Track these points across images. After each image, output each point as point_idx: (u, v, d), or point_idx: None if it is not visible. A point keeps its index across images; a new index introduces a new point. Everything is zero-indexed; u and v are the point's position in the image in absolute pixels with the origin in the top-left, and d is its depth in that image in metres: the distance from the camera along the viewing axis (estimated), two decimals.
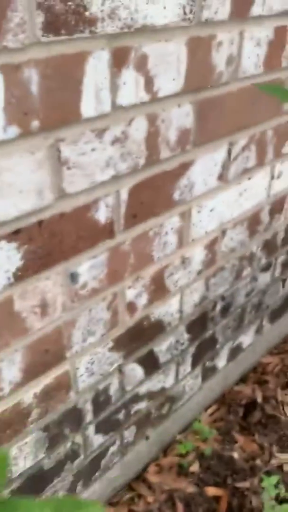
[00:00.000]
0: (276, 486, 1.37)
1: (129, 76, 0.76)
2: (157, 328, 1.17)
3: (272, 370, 1.82)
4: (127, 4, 0.70)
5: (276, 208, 1.38)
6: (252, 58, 0.99)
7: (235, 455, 1.51)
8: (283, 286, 1.71)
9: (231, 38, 0.92)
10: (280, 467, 1.48)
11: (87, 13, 0.66)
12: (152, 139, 0.86)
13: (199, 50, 0.86)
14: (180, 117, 0.89)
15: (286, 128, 1.22)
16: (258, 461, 1.49)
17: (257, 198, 1.27)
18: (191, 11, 0.80)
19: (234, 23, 0.90)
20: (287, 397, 1.72)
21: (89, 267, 0.88)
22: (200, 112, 0.94)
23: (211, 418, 1.64)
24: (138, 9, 0.72)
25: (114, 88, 0.75)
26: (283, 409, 1.67)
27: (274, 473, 1.44)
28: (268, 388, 1.74)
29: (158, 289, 1.10)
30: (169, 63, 0.82)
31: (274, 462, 1.49)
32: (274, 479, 1.35)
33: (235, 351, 1.63)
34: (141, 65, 0.77)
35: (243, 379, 1.78)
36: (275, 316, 1.77)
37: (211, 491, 1.42)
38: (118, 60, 0.74)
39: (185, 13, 0.80)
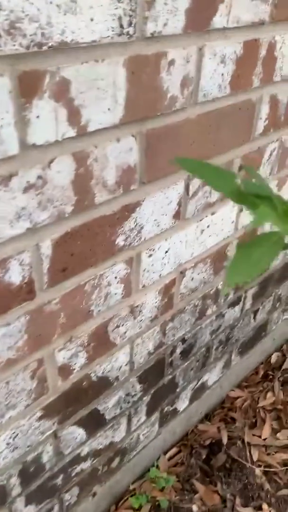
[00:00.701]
0: None
1: (44, 108, 0.59)
2: (101, 386, 1.01)
3: (241, 406, 1.68)
4: (34, 16, 0.52)
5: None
6: (215, 79, 0.82)
7: (194, 508, 1.37)
8: (254, 318, 1.56)
9: (187, 56, 0.74)
10: None
11: None
12: (82, 181, 0.69)
13: (143, 71, 0.69)
14: (120, 153, 0.72)
15: (256, 156, 1.06)
16: None
17: (223, 233, 1.10)
18: (130, 24, 0.63)
19: (191, 37, 0.73)
20: (254, 438, 1.58)
21: (0, 336, 0.71)
22: (148, 145, 0.76)
23: (171, 462, 1.50)
24: (52, 22, 0.54)
25: (22, 124, 0.57)
26: (249, 452, 1.53)
27: None
28: (234, 427, 1.60)
29: (100, 345, 0.94)
30: (102, 89, 0.64)
31: None
32: None
33: (199, 391, 1.48)
34: (61, 93, 0.60)
35: (208, 416, 1.63)
36: (245, 348, 1.62)
37: None
38: (27, 88, 0.56)
39: (122, 26, 0.62)
